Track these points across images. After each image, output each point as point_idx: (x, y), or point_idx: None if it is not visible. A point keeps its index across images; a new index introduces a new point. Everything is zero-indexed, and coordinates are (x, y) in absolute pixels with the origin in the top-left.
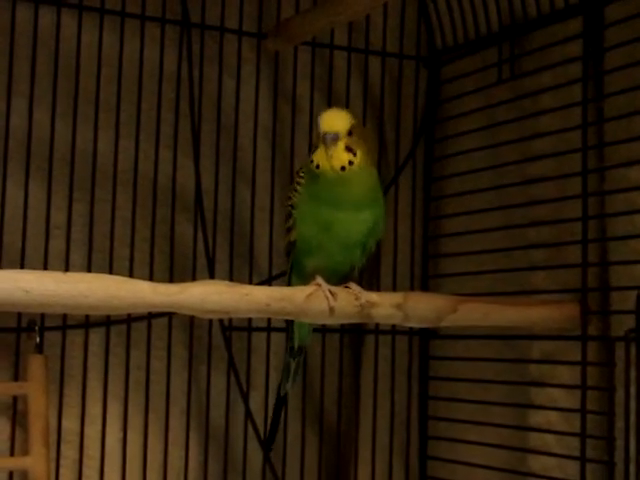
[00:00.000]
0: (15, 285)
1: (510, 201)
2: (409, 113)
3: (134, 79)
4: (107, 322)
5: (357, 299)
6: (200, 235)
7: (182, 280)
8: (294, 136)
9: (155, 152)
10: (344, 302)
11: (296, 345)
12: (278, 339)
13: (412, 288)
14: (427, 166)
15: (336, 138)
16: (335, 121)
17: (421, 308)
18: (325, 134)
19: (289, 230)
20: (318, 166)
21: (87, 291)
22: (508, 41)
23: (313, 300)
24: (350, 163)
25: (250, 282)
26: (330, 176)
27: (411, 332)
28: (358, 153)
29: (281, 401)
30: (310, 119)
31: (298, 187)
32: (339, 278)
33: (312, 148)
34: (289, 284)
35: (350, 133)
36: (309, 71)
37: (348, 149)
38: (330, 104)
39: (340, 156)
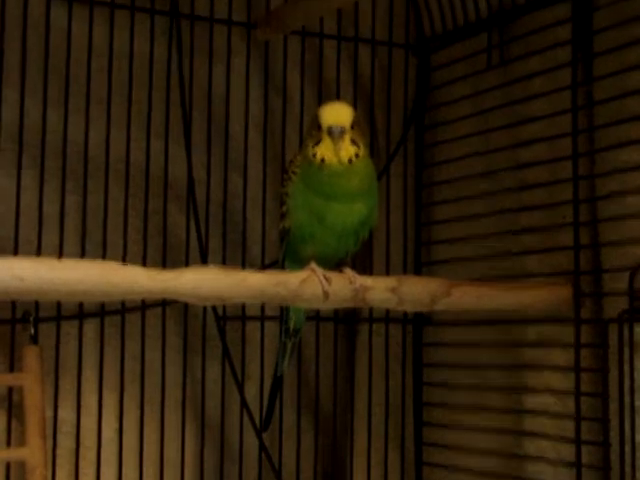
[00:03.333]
0: (10, 273)
1: (501, 186)
2: (399, 101)
3: (124, 70)
4: (101, 312)
5: (351, 283)
6: (193, 225)
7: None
8: (285, 125)
9: (147, 142)
10: (338, 286)
11: (292, 327)
12: (272, 328)
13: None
14: (418, 153)
15: (343, 131)
16: (340, 115)
17: (415, 292)
18: (331, 127)
19: (283, 217)
20: (323, 159)
21: (82, 278)
22: (497, 27)
23: (308, 285)
24: (356, 155)
25: None
26: (336, 169)
27: (404, 320)
28: (361, 145)
29: (278, 382)
30: (301, 108)
31: (293, 176)
32: (333, 264)
33: (305, 139)
34: (283, 269)
35: (352, 126)
36: (299, 60)
37: (353, 142)
38: (320, 93)
39: (347, 149)
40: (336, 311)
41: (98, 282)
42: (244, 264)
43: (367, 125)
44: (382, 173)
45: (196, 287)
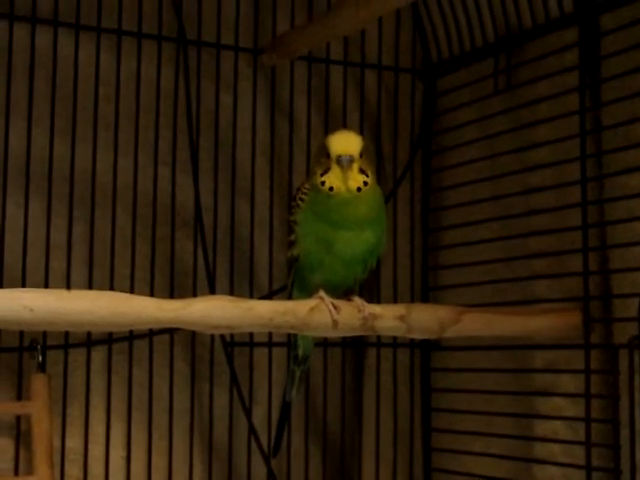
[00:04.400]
0: (19, 303)
1: (509, 211)
2: (406, 126)
3: (132, 97)
4: (109, 340)
5: (360, 311)
6: (200, 252)
7: (183, 297)
8: (292, 150)
9: (154, 169)
10: (347, 315)
11: (300, 354)
12: (280, 354)
13: (412, 300)
14: (425, 178)
15: (351, 161)
16: (349, 144)
17: (424, 319)
18: (340, 157)
19: (291, 245)
20: (332, 188)
21: (91, 308)
22: (504, 52)
23: (316, 313)
24: (365, 184)
25: (251, 297)
26: (344, 198)
27: (412, 344)
28: (369, 174)
29: (287, 409)
30: (307, 134)
31: (301, 203)
32: (341, 292)
33: (313, 167)
34: (290, 298)
35: (361, 155)
36: (305, 85)
37: (361, 171)
38: (327, 118)
39: (356, 178)
40: (343, 336)
41: (107, 312)
42: (251, 290)
43: (374, 150)
44: (389, 198)
45: (204, 316)
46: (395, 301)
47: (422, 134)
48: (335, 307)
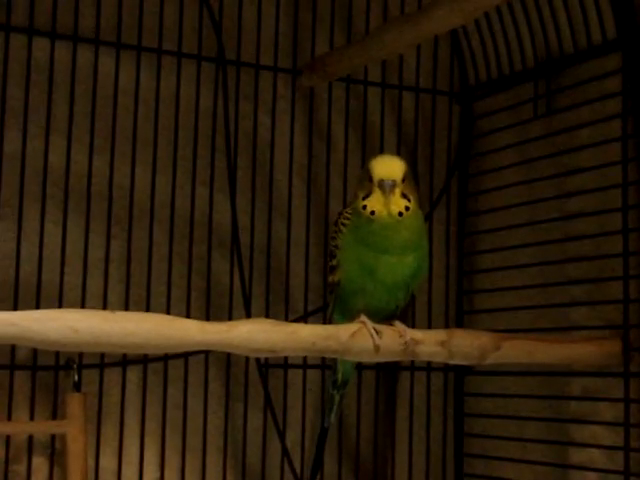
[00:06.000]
0: (64, 324)
1: (547, 237)
2: (442, 148)
3: (170, 116)
4: (144, 360)
5: (401, 337)
6: (236, 271)
7: (218, 316)
8: (329, 171)
9: (191, 189)
10: (389, 340)
11: (340, 379)
12: (314, 376)
13: (447, 324)
14: (461, 201)
15: (394, 185)
16: (392, 169)
17: (465, 345)
18: (382, 181)
19: (332, 269)
20: (373, 212)
21: (136, 330)
22: (543, 77)
23: (358, 338)
24: (407, 209)
25: (286, 318)
26: (386, 222)
27: (446, 368)
28: (411, 199)
29: (324, 434)
30: (345, 155)
31: (343, 228)
32: (383, 317)
33: (356, 191)
34: (330, 322)
35: (403, 180)
36: (343, 107)
37: (403, 195)
38: (364, 140)
39: (398, 202)
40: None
41: (151, 335)
42: (287, 311)
43: (411, 172)
44: (424, 221)
45: (248, 340)
46: (429, 324)
47: (459, 157)
48: (377, 332)
